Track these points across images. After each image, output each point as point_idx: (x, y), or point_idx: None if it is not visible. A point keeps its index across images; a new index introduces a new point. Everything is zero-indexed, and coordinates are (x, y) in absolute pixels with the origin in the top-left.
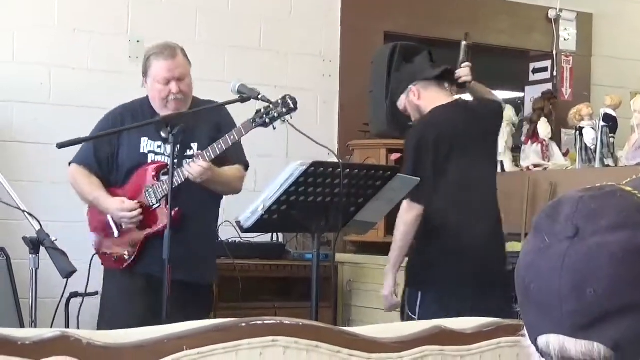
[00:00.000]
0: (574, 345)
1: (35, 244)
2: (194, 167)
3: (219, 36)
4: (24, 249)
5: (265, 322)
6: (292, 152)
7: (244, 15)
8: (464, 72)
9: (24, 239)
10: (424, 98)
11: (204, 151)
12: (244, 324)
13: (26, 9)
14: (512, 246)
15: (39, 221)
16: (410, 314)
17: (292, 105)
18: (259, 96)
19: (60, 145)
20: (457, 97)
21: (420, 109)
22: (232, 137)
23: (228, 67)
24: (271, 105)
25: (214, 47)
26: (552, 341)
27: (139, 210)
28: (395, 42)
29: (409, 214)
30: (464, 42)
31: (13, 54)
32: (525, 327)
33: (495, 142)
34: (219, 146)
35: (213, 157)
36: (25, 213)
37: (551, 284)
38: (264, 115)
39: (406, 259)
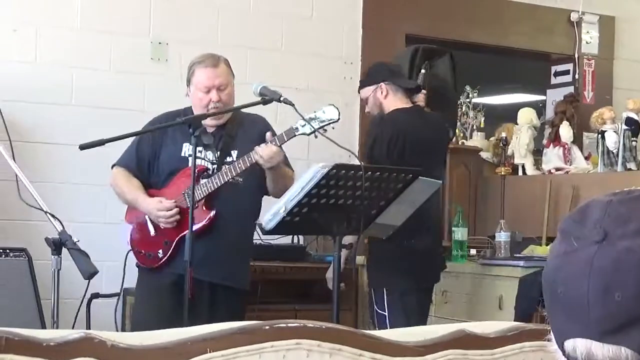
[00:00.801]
0: (601, 349)
1: (57, 245)
2: (266, 150)
3: (240, 37)
4: (45, 249)
5: (289, 324)
6: (314, 155)
7: (265, 17)
8: (420, 99)
9: (47, 239)
10: (389, 99)
11: (276, 136)
12: (267, 327)
13: (48, 10)
14: (532, 250)
15: (61, 222)
16: (380, 311)
17: (335, 115)
18: (281, 98)
19: (83, 147)
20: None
21: (382, 107)
22: (274, 142)
23: (250, 69)
24: (314, 114)
25: (235, 49)
26: (579, 345)
27: (176, 210)
28: (417, 45)
29: None
30: (423, 70)
31: (35, 55)
32: (552, 332)
33: (444, 154)
34: (282, 138)
35: (279, 144)
36: (48, 214)
37: (579, 289)
38: (306, 124)
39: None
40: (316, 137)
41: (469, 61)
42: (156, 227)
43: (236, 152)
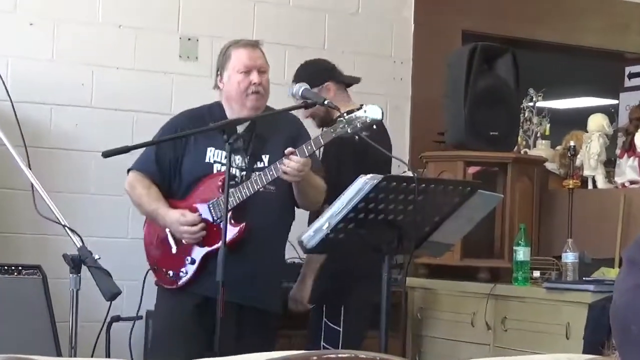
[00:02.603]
0: None
1: (76, 263)
2: (293, 163)
3: (278, 34)
4: (62, 267)
5: (340, 355)
6: None
7: (306, 12)
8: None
9: (65, 256)
10: (336, 99)
11: (303, 145)
12: (315, 357)
13: (68, 2)
14: (603, 273)
15: (80, 237)
16: (333, 326)
17: (377, 115)
18: (325, 102)
19: (107, 154)
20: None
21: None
22: (309, 147)
23: (288, 69)
24: (354, 114)
25: (273, 47)
26: None
27: (202, 225)
28: (474, 43)
29: None
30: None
31: (53, 53)
32: None
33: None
34: (308, 147)
35: (307, 155)
36: (66, 228)
37: None
38: (346, 125)
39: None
40: (356, 139)
41: (533, 61)
42: (178, 242)
43: (268, 157)
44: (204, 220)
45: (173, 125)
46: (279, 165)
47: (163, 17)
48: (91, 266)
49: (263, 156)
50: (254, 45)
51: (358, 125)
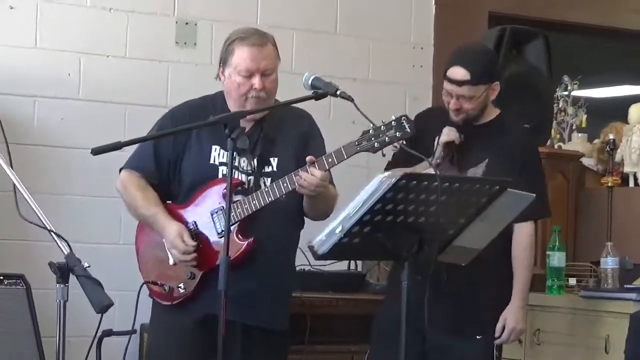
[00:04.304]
0: None
1: (63, 271)
2: (311, 178)
3: (285, 17)
4: (48, 276)
5: None
6: (375, 161)
7: None
8: None
9: (51, 265)
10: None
11: (324, 157)
12: None
13: None
14: None
15: (68, 243)
16: None
17: (407, 129)
18: (337, 92)
19: (96, 151)
20: None
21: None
22: (330, 160)
23: (297, 56)
24: (382, 127)
25: (280, 31)
26: None
27: (194, 255)
28: (503, 26)
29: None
30: None
31: (36, 39)
32: None
33: None
34: (329, 160)
35: (328, 168)
36: (52, 233)
37: None
38: (372, 138)
39: None
40: (384, 155)
41: (568, 45)
42: None
43: (276, 160)
44: (204, 235)
45: (172, 118)
46: (294, 177)
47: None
48: (80, 275)
49: (271, 159)
50: (262, 44)
51: (386, 140)
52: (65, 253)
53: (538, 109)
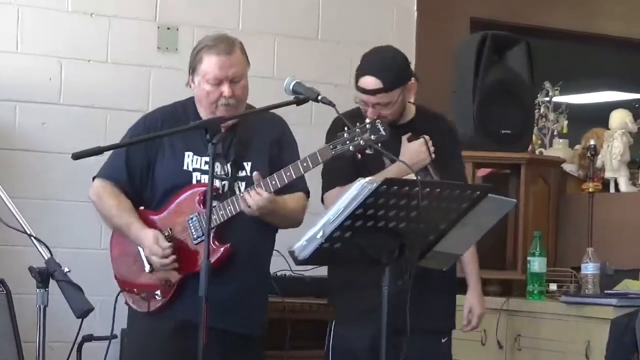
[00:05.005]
0: None
1: (43, 276)
2: (254, 198)
3: (267, 22)
4: (28, 281)
5: None
6: None
7: None
8: None
9: (31, 269)
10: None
11: (268, 179)
12: None
13: None
14: (627, 285)
15: (48, 248)
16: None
17: (382, 132)
18: (319, 97)
19: (76, 156)
20: None
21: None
22: (305, 164)
23: (279, 62)
24: (357, 130)
25: (261, 37)
26: None
27: (173, 257)
28: (484, 31)
29: None
30: None
31: (17, 44)
32: None
33: None
34: (288, 174)
35: (279, 186)
36: (32, 238)
37: None
38: (348, 142)
39: None
40: (359, 157)
41: (549, 51)
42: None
43: (250, 164)
44: (183, 240)
45: (145, 125)
46: (239, 195)
47: (139, 4)
48: (60, 280)
49: (245, 163)
50: (229, 51)
51: (361, 143)
52: (46, 258)
53: (520, 115)
